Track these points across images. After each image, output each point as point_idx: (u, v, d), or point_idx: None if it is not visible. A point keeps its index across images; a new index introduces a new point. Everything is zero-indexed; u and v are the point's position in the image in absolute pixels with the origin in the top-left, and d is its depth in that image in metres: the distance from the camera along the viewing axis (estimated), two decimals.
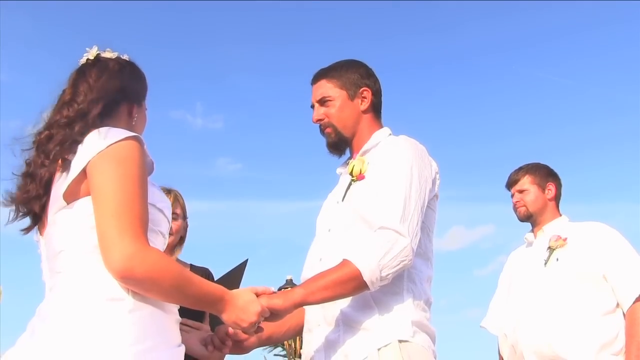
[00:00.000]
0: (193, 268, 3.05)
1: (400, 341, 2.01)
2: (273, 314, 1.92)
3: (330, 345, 2.11)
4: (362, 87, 2.34)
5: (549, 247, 3.25)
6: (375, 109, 2.39)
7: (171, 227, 2.84)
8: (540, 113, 11.83)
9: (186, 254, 3.13)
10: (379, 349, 2.01)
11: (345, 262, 1.96)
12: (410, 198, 2.05)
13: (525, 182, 3.46)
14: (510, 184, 3.52)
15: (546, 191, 3.43)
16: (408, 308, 2.07)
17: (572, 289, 3.09)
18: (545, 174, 3.48)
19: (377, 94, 2.39)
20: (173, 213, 2.87)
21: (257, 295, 1.90)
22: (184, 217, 3.06)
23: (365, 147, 2.30)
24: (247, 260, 2.93)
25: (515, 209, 3.49)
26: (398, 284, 2.07)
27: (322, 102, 2.34)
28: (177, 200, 3.01)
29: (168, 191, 3.01)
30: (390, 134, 2.35)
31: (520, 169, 3.53)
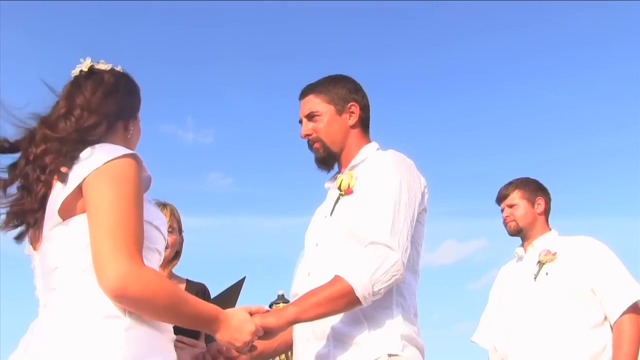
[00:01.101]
0: (190, 283, 3.07)
1: (390, 355, 2.06)
2: (267, 333, 1.95)
3: (320, 359, 2.11)
4: (350, 102, 2.38)
5: (539, 262, 3.31)
6: (364, 123, 2.43)
7: (167, 241, 2.85)
8: (532, 128, 11.94)
9: (179, 269, 3.14)
10: None
11: (337, 279, 2.00)
12: (399, 212, 2.08)
13: (515, 196, 3.50)
14: (500, 198, 3.57)
15: (536, 205, 3.48)
16: (397, 322, 2.11)
17: (561, 303, 3.15)
18: (534, 189, 3.53)
19: (365, 109, 2.42)
20: (169, 227, 2.87)
21: (251, 314, 1.92)
22: (180, 231, 3.08)
23: (353, 162, 2.33)
24: (244, 278, 2.94)
25: (505, 223, 3.53)
26: (388, 298, 2.11)
27: (310, 117, 2.38)
28: (172, 214, 3.04)
29: (164, 205, 3.04)
30: (378, 149, 2.38)
31: (509, 183, 3.57)
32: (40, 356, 1.59)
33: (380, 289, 1.99)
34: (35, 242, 1.82)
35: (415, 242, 2.21)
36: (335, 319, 2.12)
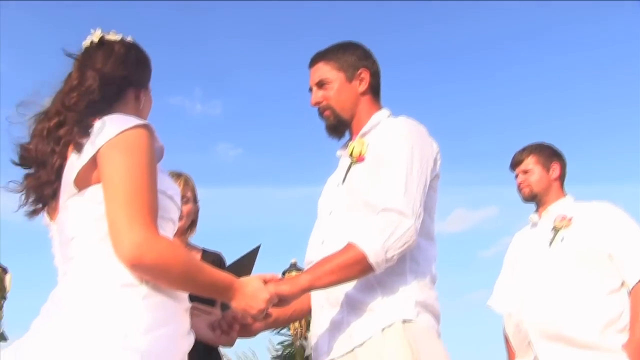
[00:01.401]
0: (205, 252, 3.09)
1: (404, 321, 2.07)
2: (281, 300, 1.98)
3: (334, 326, 2.16)
4: (360, 69, 2.38)
5: (554, 227, 3.29)
6: (374, 90, 2.43)
7: (182, 211, 2.87)
8: (545, 98, 11.82)
9: (194, 239, 3.16)
10: (382, 329, 2.07)
11: (350, 246, 2.01)
12: (412, 178, 2.08)
13: (530, 162, 3.48)
14: (514, 164, 3.54)
15: (550, 171, 3.46)
16: (412, 288, 2.12)
17: (577, 269, 3.14)
18: (549, 154, 3.50)
19: (375, 75, 2.42)
20: (184, 197, 2.91)
21: (265, 282, 1.94)
22: (195, 201, 3.09)
23: (364, 129, 2.33)
24: (259, 246, 2.95)
25: (519, 189, 3.51)
26: (401, 264, 2.11)
27: (320, 84, 2.38)
28: (187, 184, 3.05)
29: (178, 175, 3.05)
30: (389, 115, 2.38)
31: (524, 149, 3.55)
32: (61, 324, 1.62)
33: (393, 256, 2.00)
34: (52, 213, 1.85)
35: (428, 208, 2.21)
36: (349, 286, 2.14)
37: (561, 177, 3.49)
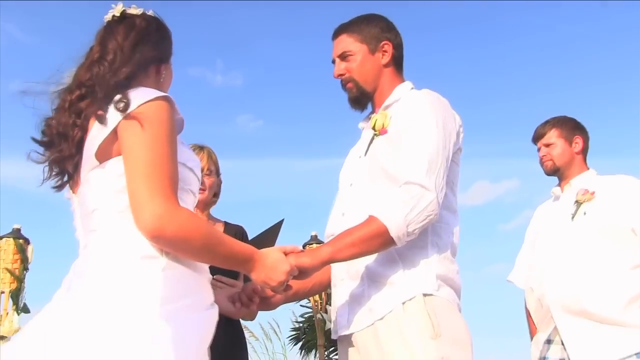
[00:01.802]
0: (227, 225, 3.11)
1: (425, 295, 2.07)
2: (301, 272, 1.99)
3: (355, 299, 2.15)
4: (383, 41, 2.36)
5: (577, 201, 3.26)
6: (397, 62, 2.41)
7: (204, 183, 2.88)
8: (567, 68, 11.62)
9: (216, 212, 3.18)
10: (403, 303, 2.07)
11: (371, 219, 2.00)
12: (435, 152, 2.08)
13: (552, 135, 3.45)
14: (537, 137, 3.51)
15: (573, 144, 3.43)
16: (433, 262, 2.11)
17: (599, 243, 3.11)
18: (572, 127, 3.46)
19: (398, 48, 2.40)
20: (207, 169, 2.93)
21: (286, 254, 1.95)
22: (217, 174, 3.12)
23: (387, 102, 2.32)
24: (282, 221, 2.94)
25: (541, 162, 3.49)
26: (423, 237, 2.11)
27: (343, 57, 2.36)
28: (210, 157, 3.07)
29: (200, 148, 3.06)
30: (412, 88, 2.37)
31: (546, 122, 3.51)
32: (82, 295, 1.64)
33: (415, 229, 2.00)
34: (74, 186, 1.87)
35: (450, 182, 2.20)
36: (369, 259, 2.14)
37: (584, 151, 3.46)
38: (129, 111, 1.68)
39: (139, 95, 1.72)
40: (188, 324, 1.65)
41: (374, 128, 2.27)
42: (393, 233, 1.97)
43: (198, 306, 1.72)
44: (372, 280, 2.14)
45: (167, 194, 1.64)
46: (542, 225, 3.48)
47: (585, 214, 3.20)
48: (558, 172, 3.45)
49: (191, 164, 1.85)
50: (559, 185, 3.48)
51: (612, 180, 3.31)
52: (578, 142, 3.44)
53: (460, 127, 2.26)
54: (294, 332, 7.11)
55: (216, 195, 3.14)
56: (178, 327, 1.60)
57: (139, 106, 1.69)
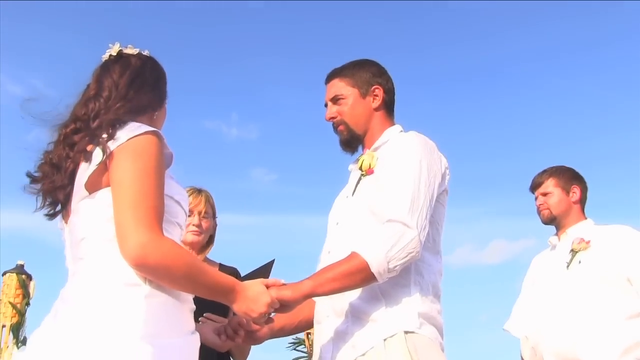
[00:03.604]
0: (222, 267, 3.16)
1: (406, 332, 2.11)
2: (283, 305, 2.04)
3: (338, 336, 2.19)
4: (374, 85, 2.44)
5: (572, 250, 3.30)
6: (388, 106, 2.49)
7: (201, 225, 2.94)
8: (580, 123, 11.66)
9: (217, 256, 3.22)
10: (385, 340, 2.11)
11: (353, 254, 2.06)
12: (419, 191, 2.13)
13: (549, 184, 3.49)
14: (534, 186, 3.56)
15: (570, 194, 3.47)
16: (415, 300, 2.16)
17: (594, 292, 3.13)
18: (569, 177, 3.51)
19: (389, 92, 2.48)
20: (204, 212, 2.99)
21: (267, 287, 2.00)
22: (214, 217, 3.17)
23: (376, 144, 2.40)
24: (273, 261, 3.00)
25: (538, 211, 3.54)
26: (405, 276, 2.15)
27: (335, 100, 2.45)
28: (207, 201, 3.14)
29: (198, 191, 3.14)
30: (401, 131, 2.44)
31: (544, 171, 3.57)
32: (67, 321, 1.71)
33: (396, 266, 2.04)
34: (66, 216, 1.95)
35: (435, 222, 2.25)
36: (354, 296, 2.18)
37: (581, 201, 3.50)
38: (119, 144, 1.77)
39: (129, 130, 1.81)
40: (168, 348, 1.70)
41: (360, 168, 2.35)
42: (374, 269, 2.02)
43: (179, 332, 1.78)
44: (355, 317, 2.18)
45: (152, 224, 1.71)
46: (538, 274, 3.49)
47: (580, 262, 3.22)
48: (555, 221, 3.48)
49: (178, 197, 1.92)
50: (557, 234, 3.50)
51: (609, 229, 3.34)
52: (575, 192, 3.48)
53: (447, 170, 2.32)
54: None
55: (212, 237, 3.20)
56: (158, 352, 1.66)
57: (128, 139, 1.78)
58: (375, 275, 2.03)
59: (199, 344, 1.85)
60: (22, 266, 3.49)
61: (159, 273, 1.72)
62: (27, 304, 3.86)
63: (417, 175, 2.17)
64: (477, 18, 11.77)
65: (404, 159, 2.22)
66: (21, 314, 3.80)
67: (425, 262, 2.21)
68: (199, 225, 3.00)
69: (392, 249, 2.03)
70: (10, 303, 3.48)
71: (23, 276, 3.47)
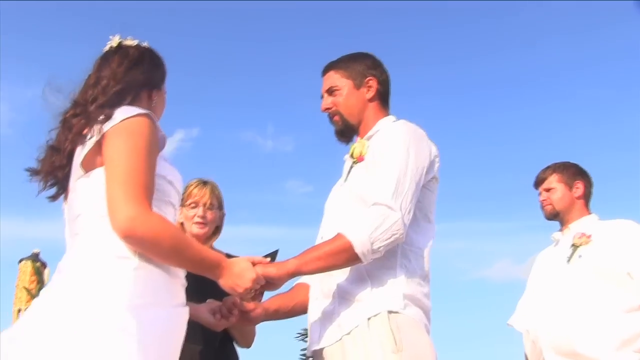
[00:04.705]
0: (229, 257, 3.20)
1: (390, 312, 2.18)
2: (268, 282, 2.14)
3: (326, 316, 2.29)
4: (368, 77, 2.53)
5: (573, 244, 3.33)
6: (382, 98, 2.57)
7: (205, 217, 3.00)
8: (588, 137, 11.51)
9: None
10: (369, 319, 2.19)
11: (338, 235, 2.16)
12: (405, 176, 2.22)
13: (552, 180, 3.53)
14: (538, 182, 3.61)
15: (574, 189, 3.50)
16: (401, 282, 2.23)
17: (594, 285, 3.17)
18: (573, 173, 3.54)
19: (383, 84, 2.56)
20: (209, 204, 3.03)
21: (254, 264, 2.09)
22: (220, 208, 3.19)
23: (369, 133, 2.47)
24: (277, 251, 3.07)
25: (541, 207, 3.57)
26: (392, 259, 2.23)
27: (330, 91, 2.54)
28: (212, 191, 3.15)
29: (204, 183, 3.17)
30: (394, 121, 2.48)
31: (548, 167, 3.62)
32: (60, 292, 1.83)
33: (380, 247, 2.12)
34: (65, 195, 2.07)
35: (424, 209, 2.33)
36: (341, 278, 2.27)
37: (585, 196, 3.52)
38: (112, 125, 1.89)
39: (123, 112, 1.93)
40: (152, 319, 1.80)
41: (352, 156, 2.44)
42: (358, 249, 2.10)
43: (165, 305, 1.88)
44: (342, 298, 2.26)
45: (141, 199, 1.82)
46: (540, 269, 3.53)
47: (580, 257, 3.25)
48: (558, 217, 3.52)
49: (171, 177, 2.03)
50: (560, 230, 3.54)
51: (610, 224, 3.36)
52: (579, 187, 3.51)
53: (436, 157, 2.40)
54: None
55: (218, 228, 3.25)
56: (140, 322, 1.75)
57: (121, 121, 1.90)
58: (359, 255, 2.11)
59: (186, 318, 1.94)
60: (37, 254, 3.61)
61: (147, 245, 1.83)
62: (41, 290, 3.97)
63: (403, 160, 2.24)
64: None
65: (392, 145, 2.31)
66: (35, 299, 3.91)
67: (413, 246, 2.29)
68: (203, 217, 3.03)
69: (376, 231, 2.12)
70: (25, 288, 3.61)
71: (38, 264, 3.59)
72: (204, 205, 3.05)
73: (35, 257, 3.73)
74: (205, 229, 3.05)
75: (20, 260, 3.81)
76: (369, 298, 2.21)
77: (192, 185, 3.09)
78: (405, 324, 2.17)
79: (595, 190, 3.60)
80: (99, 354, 1.68)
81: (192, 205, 3.03)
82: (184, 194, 2.99)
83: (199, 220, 3.03)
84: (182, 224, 3.04)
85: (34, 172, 2.07)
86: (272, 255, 3.10)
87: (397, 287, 2.22)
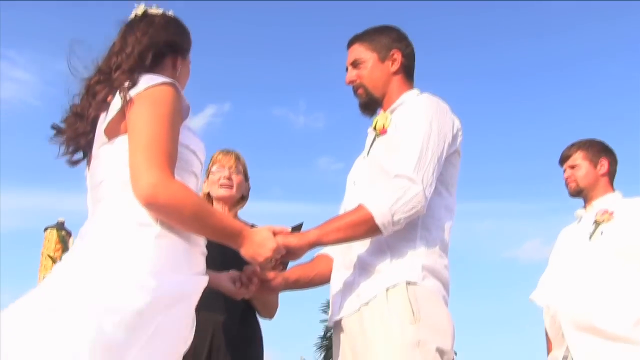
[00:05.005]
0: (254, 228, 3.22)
1: (408, 283, 2.20)
2: (289, 252, 2.16)
3: (346, 287, 2.31)
4: (392, 50, 2.52)
5: (595, 221, 3.32)
6: (407, 71, 2.56)
7: (232, 179, 3.00)
8: (621, 119, 11.36)
9: None
10: (387, 289, 2.20)
11: (359, 207, 2.18)
12: (427, 149, 2.22)
13: (577, 157, 3.52)
14: (563, 159, 3.60)
15: (598, 166, 3.48)
16: (420, 254, 2.24)
17: (614, 262, 3.17)
18: (598, 150, 3.52)
19: (408, 57, 2.55)
20: (234, 168, 3.04)
21: (275, 234, 2.11)
22: (246, 177, 3.18)
23: (393, 106, 2.47)
24: (302, 224, 3.08)
25: (566, 184, 3.56)
26: (412, 231, 2.24)
27: (355, 64, 2.54)
28: (237, 158, 3.15)
29: (228, 152, 3.17)
30: (418, 94, 2.48)
31: (572, 144, 3.60)
32: (82, 258, 1.85)
33: (400, 219, 2.13)
34: (88, 162, 2.10)
35: (446, 182, 2.34)
36: (362, 250, 2.29)
37: (610, 173, 3.50)
38: (136, 92, 1.91)
39: (148, 80, 1.94)
40: (169, 284, 1.83)
41: (374, 128, 2.44)
42: (378, 221, 2.12)
43: (184, 272, 1.91)
44: (362, 269, 2.28)
45: (163, 166, 1.84)
46: (562, 246, 3.53)
47: (602, 233, 3.25)
48: (582, 194, 3.50)
49: (194, 146, 2.05)
50: (584, 207, 3.53)
51: (633, 201, 3.35)
52: (603, 164, 3.48)
53: (459, 131, 2.39)
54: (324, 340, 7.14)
55: (244, 197, 3.25)
56: (158, 286, 1.78)
57: (145, 89, 1.91)
58: (380, 227, 2.13)
59: (204, 285, 1.96)
60: (62, 223, 3.69)
61: (168, 212, 1.85)
62: None
63: (426, 133, 2.24)
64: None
65: (415, 118, 2.30)
66: None
67: (434, 218, 2.29)
68: (229, 178, 3.01)
69: (397, 203, 2.13)
70: (50, 256, 3.68)
71: (63, 232, 3.67)
72: (230, 168, 3.05)
73: (60, 226, 3.82)
74: (232, 191, 3.03)
75: (46, 229, 3.89)
76: (388, 269, 2.23)
77: (217, 153, 3.11)
78: (423, 295, 2.18)
79: (621, 169, 3.58)
80: (114, 305, 1.70)
81: (218, 169, 3.04)
82: (209, 163, 3.01)
83: (225, 182, 3.01)
84: (208, 194, 3.05)
85: (58, 131, 2.09)
86: (297, 228, 3.12)
87: (416, 258, 2.23)
